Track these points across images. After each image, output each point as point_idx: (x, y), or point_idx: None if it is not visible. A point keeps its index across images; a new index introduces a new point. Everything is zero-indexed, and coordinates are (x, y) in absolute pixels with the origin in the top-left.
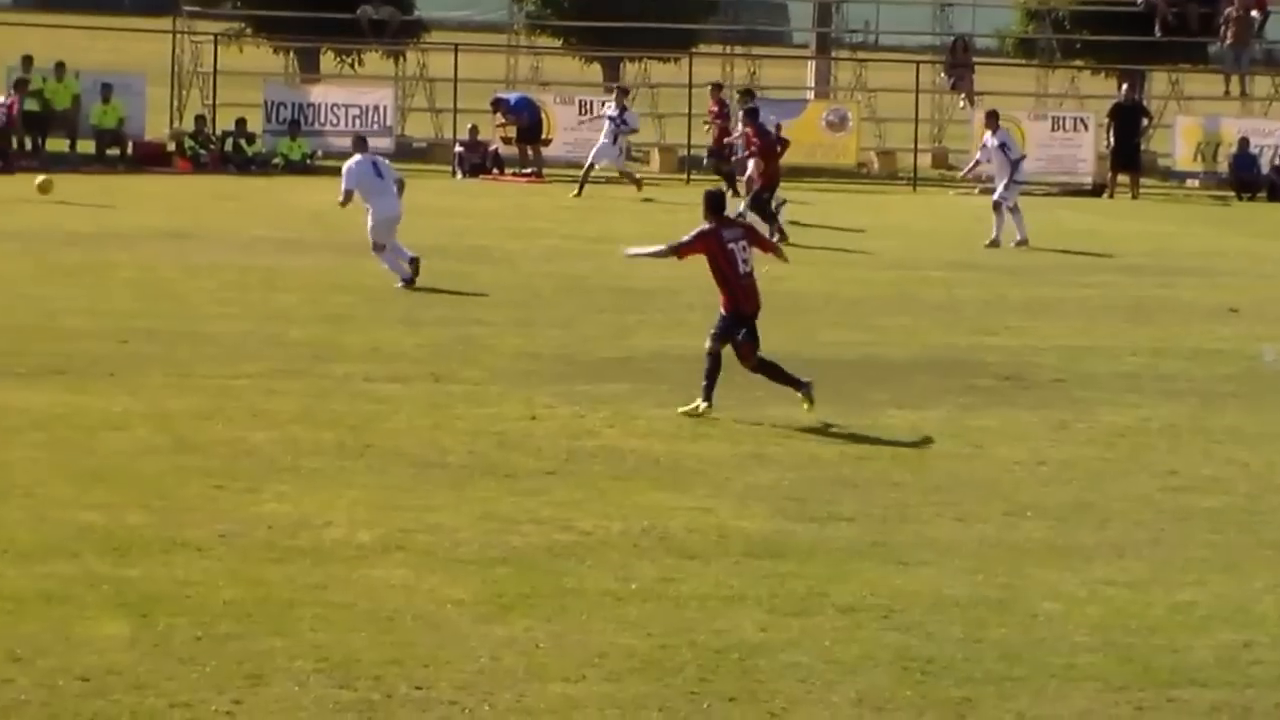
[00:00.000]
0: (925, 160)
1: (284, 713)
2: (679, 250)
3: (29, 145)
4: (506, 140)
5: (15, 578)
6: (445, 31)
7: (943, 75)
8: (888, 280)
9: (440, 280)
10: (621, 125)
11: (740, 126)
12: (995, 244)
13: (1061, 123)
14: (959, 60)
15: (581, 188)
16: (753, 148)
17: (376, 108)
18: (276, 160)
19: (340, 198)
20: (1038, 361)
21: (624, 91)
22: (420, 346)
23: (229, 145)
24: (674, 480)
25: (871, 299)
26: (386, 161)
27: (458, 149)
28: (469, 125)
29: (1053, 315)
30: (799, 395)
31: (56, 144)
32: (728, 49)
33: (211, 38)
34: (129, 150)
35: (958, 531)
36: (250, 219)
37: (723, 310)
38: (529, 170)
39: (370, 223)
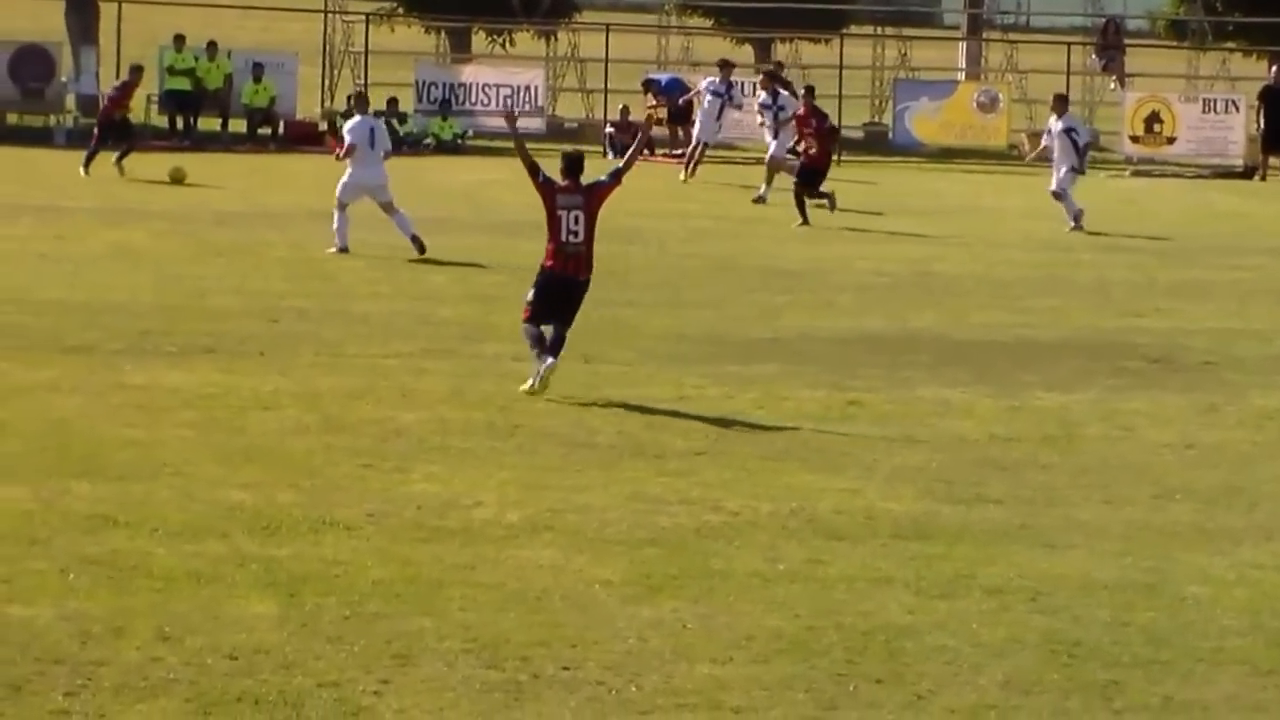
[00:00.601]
0: None
1: (431, 693)
2: (532, 173)
3: (179, 125)
4: (657, 121)
5: (165, 556)
6: (596, 12)
7: (1094, 57)
8: (1038, 262)
9: None
10: (729, 100)
11: (783, 109)
12: (1079, 227)
13: (1212, 105)
14: (1110, 42)
15: (693, 168)
16: (807, 129)
17: (527, 87)
18: (428, 140)
19: (341, 152)
20: (1187, 344)
21: (729, 66)
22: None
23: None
24: (822, 461)
25: (1022, 280)
26: (383, 129)
27: (608, 129)
28: (620, 106)
29: (1203, 297)
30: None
31: (208, 123)
32: (879, 30)
33: (363, 17)
34: (280, 129)
35: (1106, 514)
36: (401, 198)
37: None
38: (679, 151)
39: (344, 180)
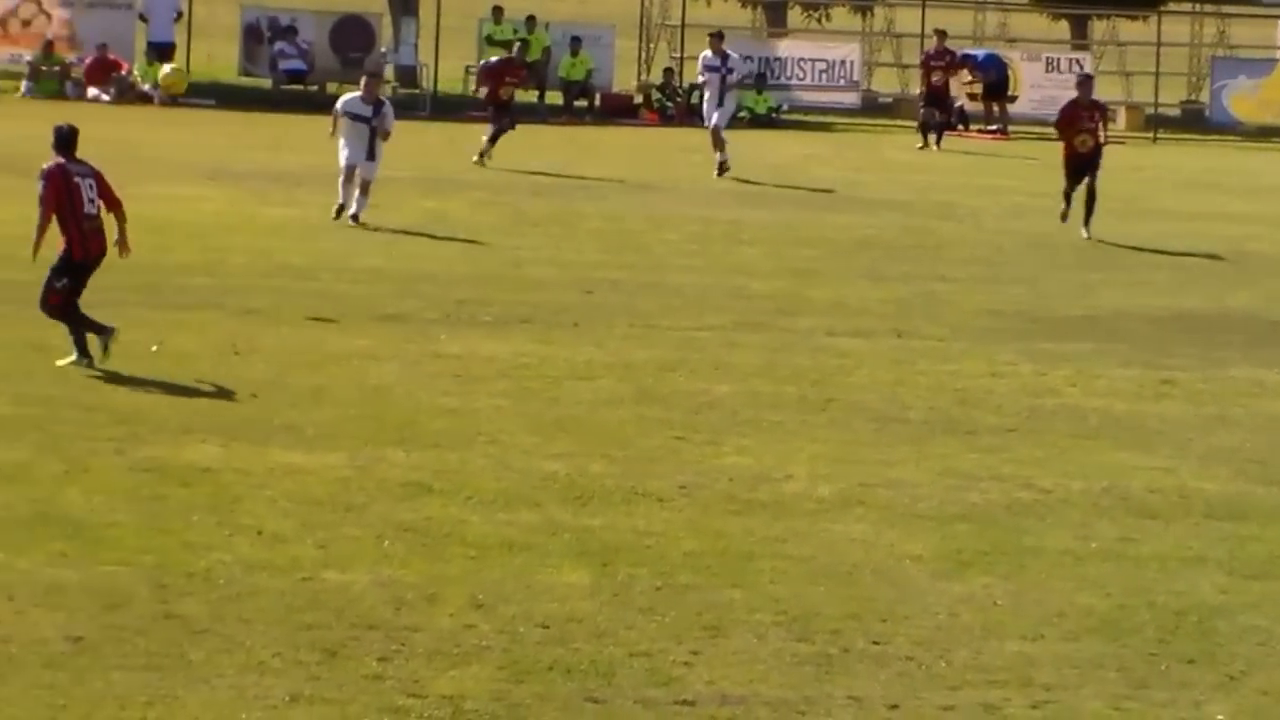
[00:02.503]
0: None
1: (742, 665)
2: (44, 215)
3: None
4: (972, 96)
5: (479, 524)
6: None
7: None
8: None
9: (904, 236)
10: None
11: (731, 71)
12: None
13: None
14: None
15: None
16: (939, 63)
17: (843, 62)
18: (742, 114)
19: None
20: None
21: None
22: (884, 302)
23: (695, 98)
24: (1135, 440)
25: None
26: (385, 110)
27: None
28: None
29: None
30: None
31: (525, 95)
32: (1196, 7)
33: None
34: (596, 102)
35: None
36: (714, 171)
37: (70, 258)
38: (994, 127)
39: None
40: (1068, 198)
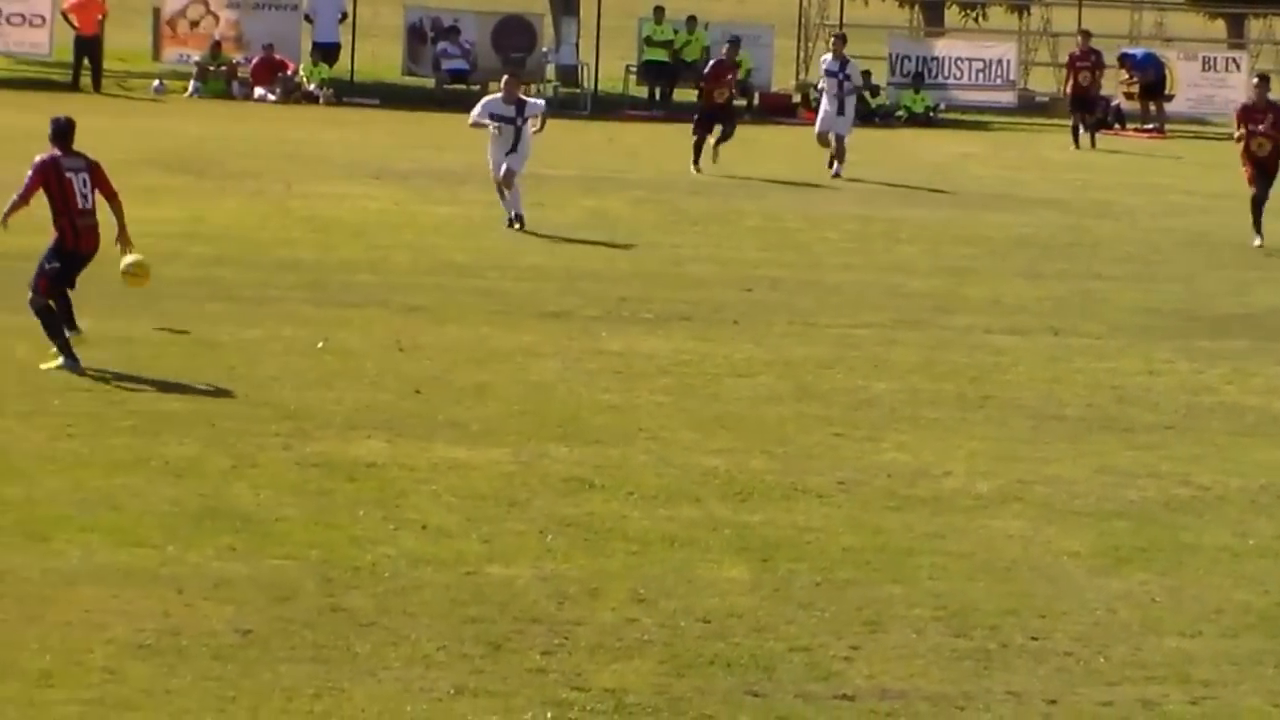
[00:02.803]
0: None
1: (900, 660)
2: (23, 197)
3: (656, 95)
4: (1129, 95)
5: (640, 520)
6: None
7: None
8: None
9: (1061, 234)
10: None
11: (848, 78)
12: None
13: None
14: None
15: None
16: (1085, 64)
17: (999, 61)
18: (899, 113)
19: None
20: None
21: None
22: (1040, 300)
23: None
24: None
25: None
26: (535, 104)
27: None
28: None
29: None
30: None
31: (684, 94)
32: None
33: None
34: (755, 101)
35: None
36: (872, 170)
37: (63, 247)
38: (1151, 126)
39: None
40: (1258, 206)
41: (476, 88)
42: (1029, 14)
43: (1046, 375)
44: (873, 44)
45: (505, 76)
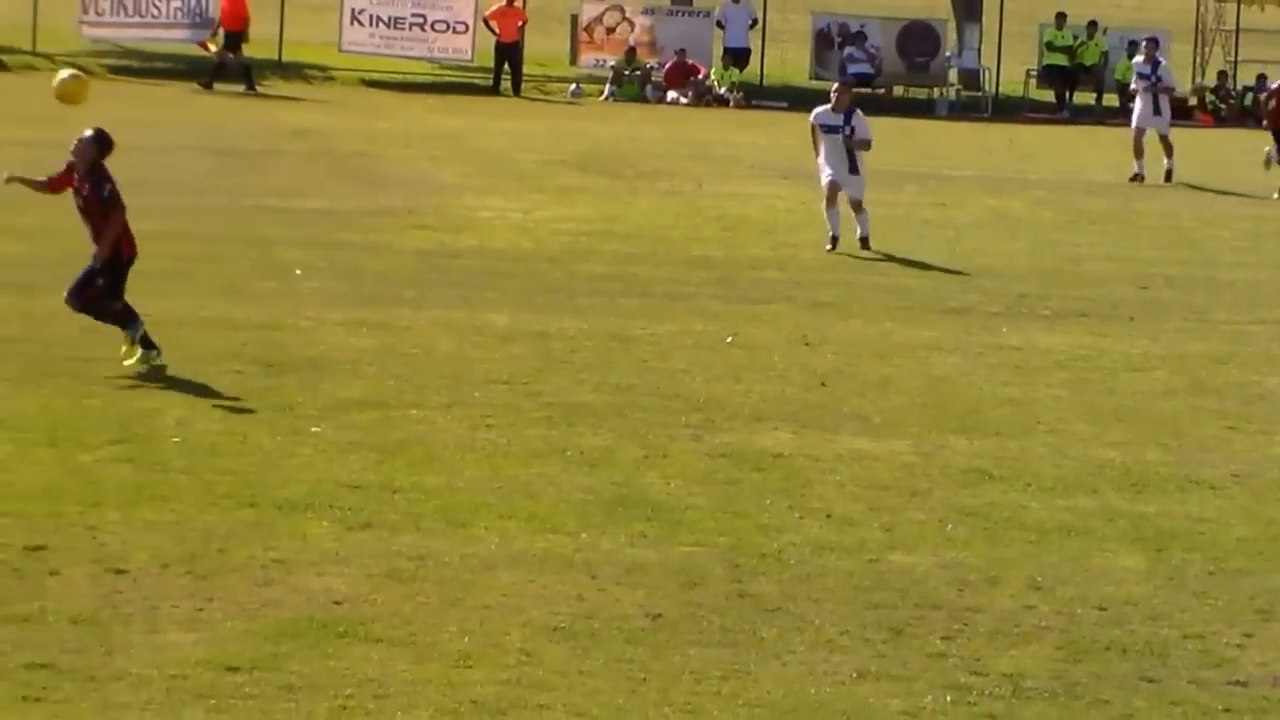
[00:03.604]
0: None
1: None
2: (54, 182)
3: (1058, 98)
4: None
5: (1038, 509)
6: None
7: None
8: None
9: None
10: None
11: (1160, 80)
12: None
13: None
14: None
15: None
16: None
17: None
18: None
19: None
20: None
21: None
22: None
23: (1248, 100)
24: None
25: None
26: (864, 128)
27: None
28: (1257, 75)
29: None
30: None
31: (1083, 97)
32: None
33: None
34: None
35: None
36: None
37: (118, 255)
38: None
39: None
40: None
41: (881, 91)
42: None
43: None
44: (1268, 49)
45: (836, 84)
